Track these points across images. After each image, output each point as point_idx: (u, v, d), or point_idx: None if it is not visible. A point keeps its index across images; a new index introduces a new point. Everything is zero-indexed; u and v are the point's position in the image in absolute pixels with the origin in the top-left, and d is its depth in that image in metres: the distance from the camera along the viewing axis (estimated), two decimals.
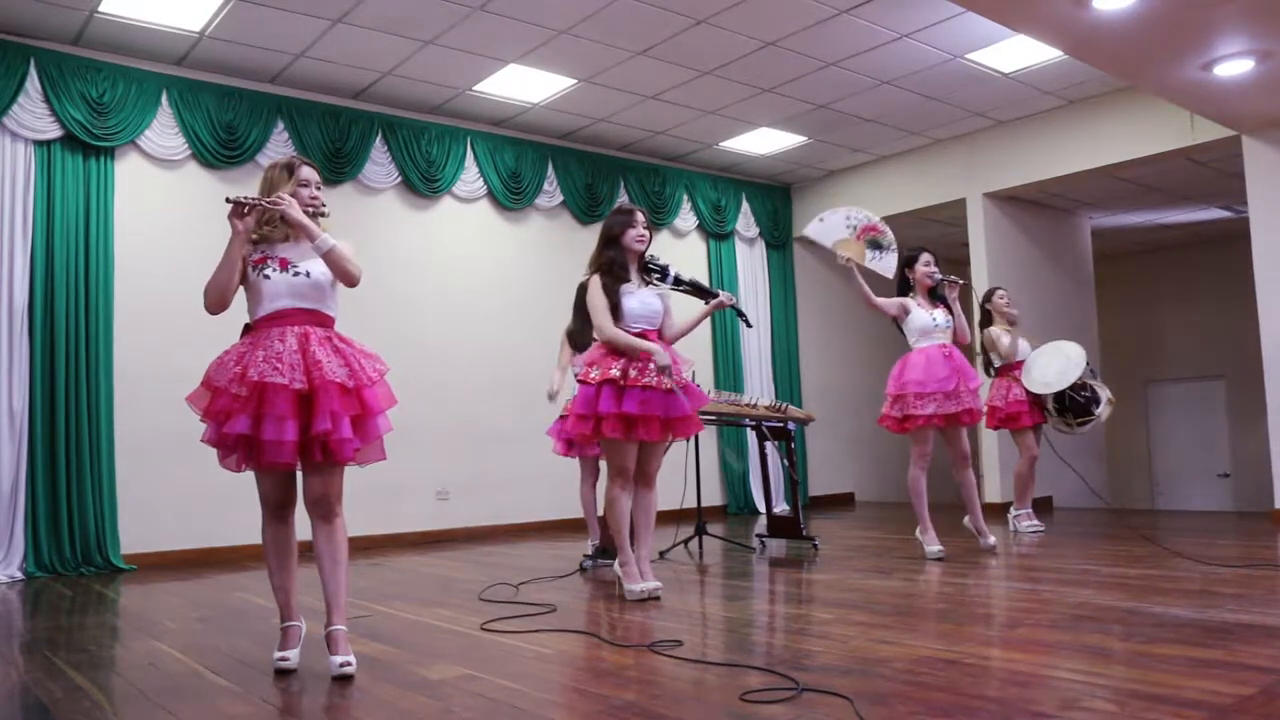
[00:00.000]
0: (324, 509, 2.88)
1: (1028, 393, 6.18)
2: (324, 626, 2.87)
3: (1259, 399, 6.95)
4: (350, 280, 2.93)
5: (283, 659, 2.86)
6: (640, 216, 4.12)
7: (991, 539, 5.22)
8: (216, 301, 2.87)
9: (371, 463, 2.95)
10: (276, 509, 2.95)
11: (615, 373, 3.91)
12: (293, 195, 2.91)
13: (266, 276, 2.86)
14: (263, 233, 2.91)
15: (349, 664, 2.77)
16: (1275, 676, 2.42)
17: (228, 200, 2.81)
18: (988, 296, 6.47)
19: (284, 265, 2.88)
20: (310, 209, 2.92)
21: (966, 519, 5.35)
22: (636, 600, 3.96)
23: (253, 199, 2.84)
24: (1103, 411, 6.16)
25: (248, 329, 2.92)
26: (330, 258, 2.87)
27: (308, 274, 2.89)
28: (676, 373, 4.01)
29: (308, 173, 3.00)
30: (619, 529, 4.04)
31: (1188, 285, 11.68)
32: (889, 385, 5.11)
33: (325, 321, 2.93)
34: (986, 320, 6.41)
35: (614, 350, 3.98)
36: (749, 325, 4.70)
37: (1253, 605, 3.42)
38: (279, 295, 2.86)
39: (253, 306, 2.91)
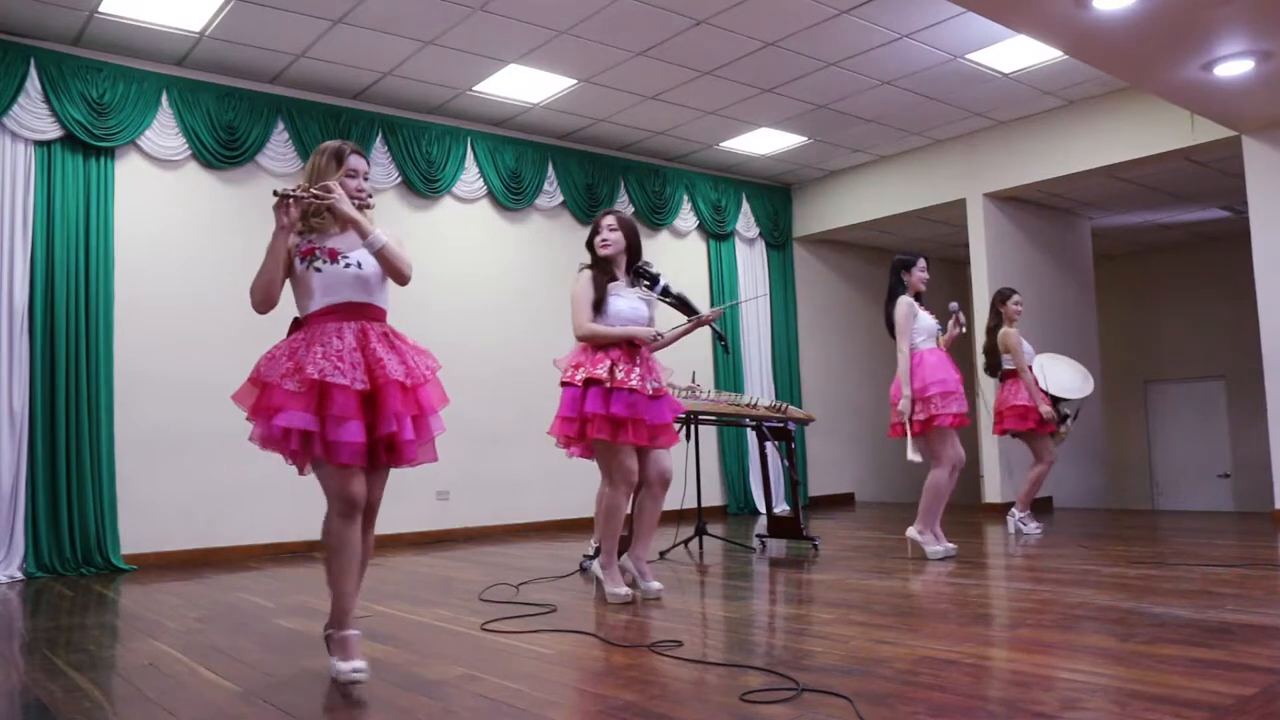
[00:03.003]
0: (371, 511, 2.78)
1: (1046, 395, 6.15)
2: (325, 627, 2.86)
3: (1259, 399, 6.95)
4: (402, 279, 2.79)
5: (356, 669, 2.62)
6: (606, 220, 4.10)
7: (950, 545, 5.12)
8: (263, 300, 2.71)
9: (424, 464, 2.82)
10: (352, 506, 2.69)
11: (602, 372, 3.86)
12: (339, 185, 2.75)
13: (317, 269, 2.71)
14: (310, 223, 2.76)
15: (361, 670, 2.71)
16: (1275, 676, 2.42)
17: (275, 193, 2.65)
18: (1003, 299, 6.33)
19: (333, 256, 2.72)
20: (356, 200, 2.77)
21: (915, 528, 5.10)
22: (619, 604, 3.93)
23: (300, 191, 2.67)
24: (1066, 428, 6.24)
25: (297, 324, 2.77)
26: (382, 256, 2.74)
27: (359, 265, 2.74)
28: (663, 342, 4.08)
29: (356, 161, 2.83)
30: (614, 534, 4.01)
31: (1188, 285, 11.68)
32: (914, 386, 4.92)
33: (379, 316, 2.79)
34: (998, 322, 6.35)
35: (598, 349, 3.94)
36: (727, 351, 4.68)
37: (1253, 605, 3.42)
38: (331, 289, 2.71)
39: (302, 301, 2.75)
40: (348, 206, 2.71)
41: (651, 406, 3.93)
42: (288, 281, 2.77)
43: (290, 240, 2.70)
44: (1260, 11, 4.77)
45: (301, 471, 2.73)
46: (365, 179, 2.84)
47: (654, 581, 4.08)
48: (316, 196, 2.67)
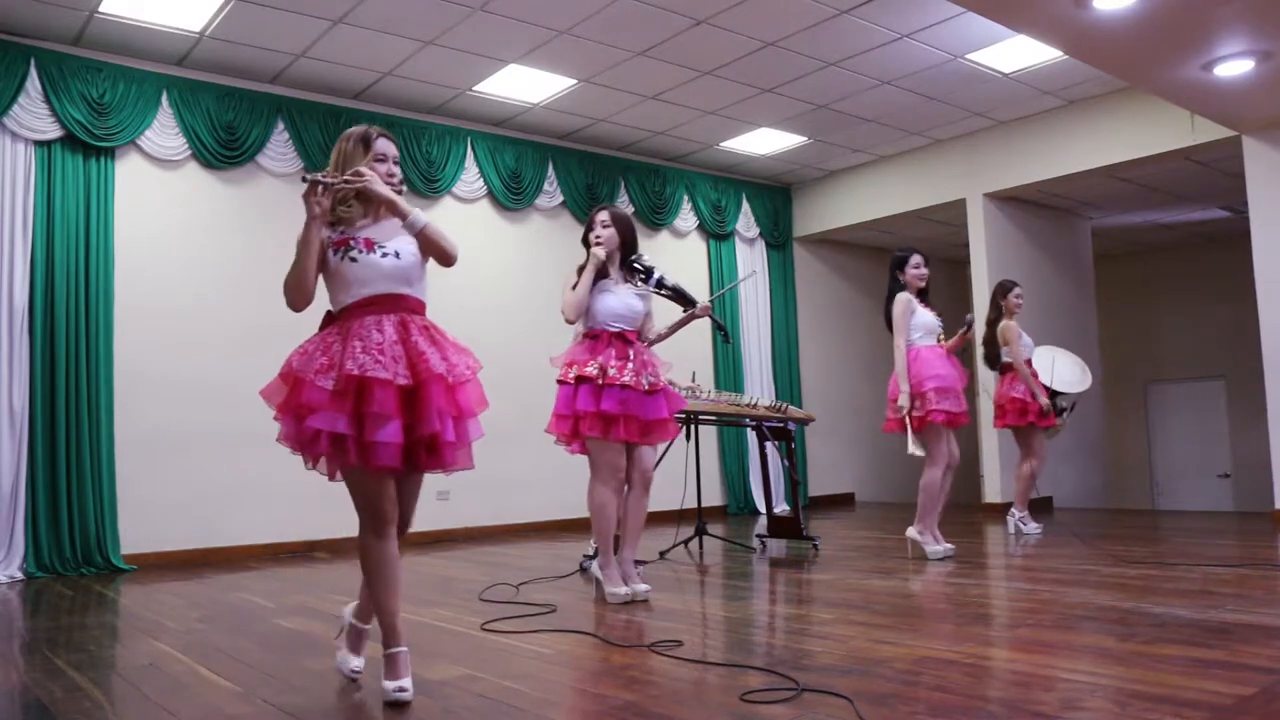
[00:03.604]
0: (403, 521, 2.62)
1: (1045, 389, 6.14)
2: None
3: (1259, 399, 6.95)
4: (448, 259, 2.61)
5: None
6: (600, 216, 4.10)
7: (949, 545, 5.11)
8: (299, 296, 2.52)
9: (460, 470, 2.64)
10: (385, 521, 2.56)
11: (593, 370, 3.88)
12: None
13: (353, 260, 2.52)
14: (338, 213, 2.57)
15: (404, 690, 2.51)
16: (1275, 676, 2.42)
17: (304, 179, 2.47)
18: (1004, 291, 6.30)
19: (369, 246, 2.55)
20: (388, 185, 2.61)
21: (915, 528, 5.12)
22: (620, 603, 3.94)
23: (331, 176, 2.51)
24: (1063, 421, 6.26)
25: (330, 317, 2.61)
26: (424, 236, 2.57)
27: (397, 254, 2.56)
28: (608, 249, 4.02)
29: (384, 145, 2.66)
30: (606, 532, 4.01)
31: (1188, 285, 11.68)
32: (911, 382, 4.92)
33: (418, 308, 2.62)
34: (998, 314, 6.33)
35: (591, 349, 3.96)
36: (727, 340, 4.64)
37: (1253, 605, 3.43)
38: (368, 280, 2.53)
39: (337, 294, 2.57)
40: (381, 187, 2.55)
41: (646, 402, 3.92)
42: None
43: (321, 232, 2.53)
44: (1260, 11, 4.77)
45: (331, 477, 2.56)
46: (395, 163, 2.68)
47: (640, 584, 4.06)
48: (348, 181, 2.51)
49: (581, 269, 4.05)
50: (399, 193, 2.62)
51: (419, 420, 2.46)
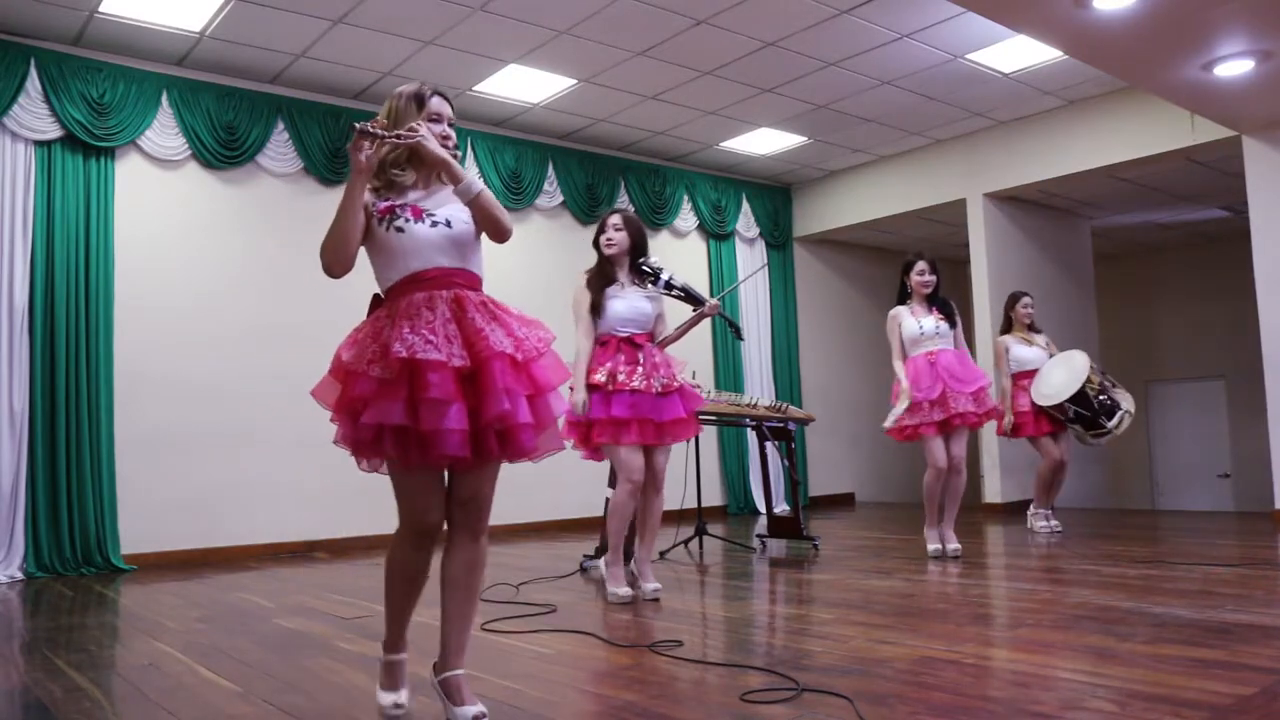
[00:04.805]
0: (475, 518, 2.31)
1: (1032, 403, 6.12)
2: (434, 671, 2.36)
3: (1259, 399, 6.95)
4: (503, 232, 2.32)
5: (397, 705, 2.38)
6: (612, 219, 4.12)
7: (955, 545, 5.08)
8: (337, 257, 2.24)
9: (548, 454, 2.37)
10: (427, 529, 2.29)
11: (601, 377, 3.91)
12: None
13: (399, 229, 2.26)
14: (390, 175, 2.33)
15: (483, 715, 2.22)
16: (1275, 676, 2.42)
17: (353, 126, 2.21)
18: (1012, 302, 6.37)
19: (417, 215, 2.29)
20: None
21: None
22: (620, 604, 3.95)
23: (382, 129, 2.23)
24: (1117, 424, 6.01)
25: (378, 300, 2.35)
26: (479, 203, 2.28)
27: (448, 223, 2.30)
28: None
29: (439, 104, 2.39)
30: (617, 532, 4.04)
31: (1188, 285, 11.68)
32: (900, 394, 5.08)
33: (475, 283, 2.34)
34: (1009, 325, 6.36)
35: (599, 356, 3.98)
36: (740, 338, 4.66)
37: (1253, 605, 3.43)
38: (418, 252, 2.26)
39: (383, 270, 2.31)
40: (435, 146, 2.28)
41: (659, 404, 3.94)
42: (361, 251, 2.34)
43: (365, 198, 2.27)
44: (1260, 11, 4.77)
45: (372, 470, 2.35)
46: (451, 125, 2.41)
47: (652, 582, 4.08)
48: (399, 135, 2.25)
49: (590, 286, 4.06)
50: (454, 157, 2.36)
51: (484, 403, 2.17)
